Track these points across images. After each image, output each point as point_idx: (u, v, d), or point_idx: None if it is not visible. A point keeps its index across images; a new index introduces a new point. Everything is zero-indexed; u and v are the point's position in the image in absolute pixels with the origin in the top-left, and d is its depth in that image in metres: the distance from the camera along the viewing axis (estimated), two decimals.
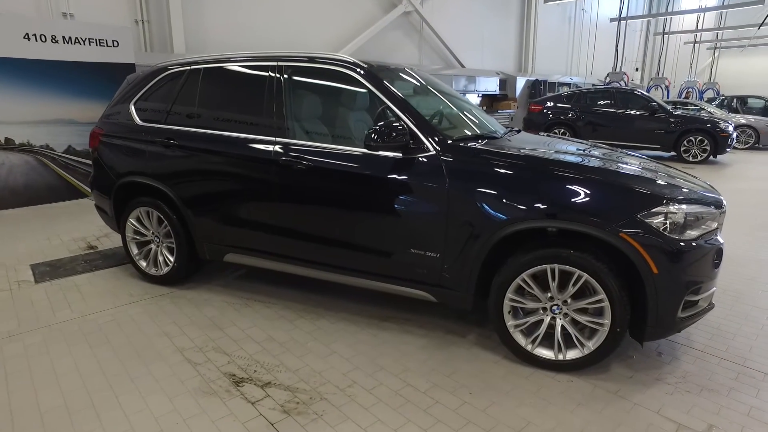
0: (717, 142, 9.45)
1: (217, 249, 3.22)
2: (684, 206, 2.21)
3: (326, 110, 3.02)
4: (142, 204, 3.40)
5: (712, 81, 19.48)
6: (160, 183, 3.24)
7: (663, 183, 2.33)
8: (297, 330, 2.84)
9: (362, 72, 2.76)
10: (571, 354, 2.37)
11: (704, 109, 13.49)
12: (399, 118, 2.58)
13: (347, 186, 2.70)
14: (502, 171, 2.40)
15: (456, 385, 2.31)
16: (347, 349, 2.63)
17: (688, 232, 2.20)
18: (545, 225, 2.28)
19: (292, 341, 2.71)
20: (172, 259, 3.38)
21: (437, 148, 2.50)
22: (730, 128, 9.54)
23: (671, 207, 2.17)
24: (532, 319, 2.42)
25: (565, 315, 2.37)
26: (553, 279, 2.31)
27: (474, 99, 13.85)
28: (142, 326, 2.87)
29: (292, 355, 2.56)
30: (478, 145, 2.59)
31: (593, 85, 16.40)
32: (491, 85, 14.52)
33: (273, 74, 2.95)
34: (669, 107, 10.32)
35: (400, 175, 2.55)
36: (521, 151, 2.58)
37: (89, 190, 5.25)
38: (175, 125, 3.24)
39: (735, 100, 17.10)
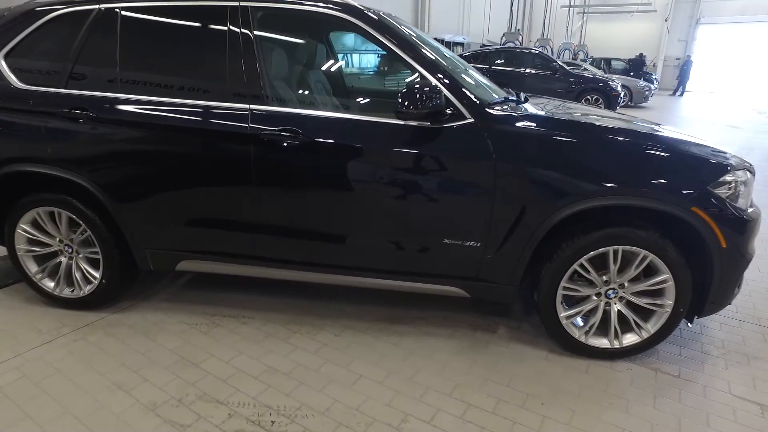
0: (610, 100, 10.31)
1: (166, 256, 2.42)
2: (740, 173, 2.07)
3: (316, 69, 2.34)
4: (41, 203, 2.39)
5: (582, 44, 21.35)
6: (72, 172, 2.28)
7: (712, 147, 2.17)
8: (298, 351, 2.25)
9: (373, 21, 2.12)
10: (628, 340, 2.18)
11: (587, 70, 14.72)
12: (425, 79, 2.03)
13: (357, 166, 2.10)
14: (561, 142, 2.02)
15: (522, 396, 1.98)
16: (373, 368, 2.14)
17: (741, 200, 2.08)
18: (613, 203, 1.99)
19: (300, 368, 2.12)
20: (96, 275, 2.47)
21: (476, 115, 2.04)
22: (619, 87, 10.46)
23: (737, 174, 2.01)
24: (587, 306, 2.17)
25: (620, 299, 2.15)
26: (615, 261, 2.06)
27: (372, 59, 13.39)
28: (75, 378, 2.03)
29: (310, 389, 1.99)
30: (524, 111, 2.18)
31: (483, 45, 16.87)
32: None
33: (236, 19, 2.15)
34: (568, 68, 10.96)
35: (428, 150, 2.04)
36: (573, 118, 2.23)
37: None
38: (85, 90, 2.27)
39: (602, 62, 19.01)
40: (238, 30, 2.14)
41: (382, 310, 2.59)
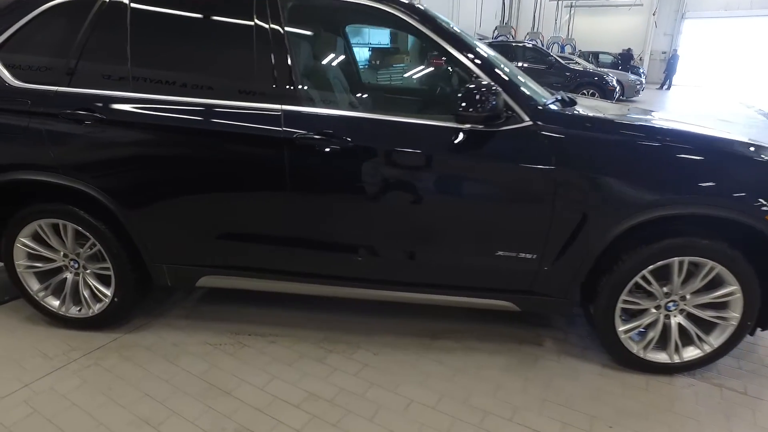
0: (605, 94, 10.29)
1: (186, 271, 2.20)
2: None
3: (351, 67, 2.13)
4: (44, 214, 2.14)
5: (569, 37, 21.42)
6: (79, 181, 2.03)
7: None
8: (338, 374, 2.07)
9: (422, 15, 1.91)
10: (689, 354, 2.06)
11: (579, 64, 14.73)
12: (481, 79, 1.85)
13: (404, 173, 1.93)
14: (627, 146, 1.87)
15: (586, 419, 1.84)
16: (422, 391, 1.97)
17: None
18: (682, 212, 1.85)
19: (344, 394, 1.95)
20: (107, 293, 2.24)
21: (535, 118, 1.87)
22: (614, 81, 10.45)
23: None
24: (646, 320, 2.04)
25: (681, 311, 2.03)
26: (680, 273, 1.94)
27: (365, 53, 13.06)
28: (94, 412, 1.82)
29: (360, 418, 1.82)
30: (584, 114, 2.02)
31: (480, 37, 16.75)
32: (383, 38, 13.78)
33: (264, 10, 1.93)
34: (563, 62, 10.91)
35: (484, 156, 1.87)
36: (634, 120, 2.08)
37: None
38: (92, 89, 2.03)
39: (590, 56, 19.09)
40: (266, 23, 1.93)
41: (418, 324, 2.42)
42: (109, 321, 2.31)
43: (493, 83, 1.77)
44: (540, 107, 1.90)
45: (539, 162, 1.86)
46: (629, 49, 18.08)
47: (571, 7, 21.80)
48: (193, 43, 2.03)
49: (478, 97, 1.72)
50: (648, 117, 2.30)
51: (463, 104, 1.72)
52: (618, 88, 10.72)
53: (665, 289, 1.99)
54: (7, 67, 2.08)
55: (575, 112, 2.03)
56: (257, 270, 2.14)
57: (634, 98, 13.20)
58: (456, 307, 2.24)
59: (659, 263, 1.91)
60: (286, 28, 1.92)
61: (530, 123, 1.86)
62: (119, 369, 2.06)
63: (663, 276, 1.97)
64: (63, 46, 2.07)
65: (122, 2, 2.02)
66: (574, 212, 1.89)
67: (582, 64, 14.64)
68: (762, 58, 16.29)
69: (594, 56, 18.96)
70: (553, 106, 1.97)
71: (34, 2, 2.09)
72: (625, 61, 17.00)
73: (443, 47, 1.89)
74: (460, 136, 1.86)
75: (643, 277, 1.95)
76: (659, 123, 2.12)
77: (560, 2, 19.94)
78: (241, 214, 2.04)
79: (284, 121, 1.89)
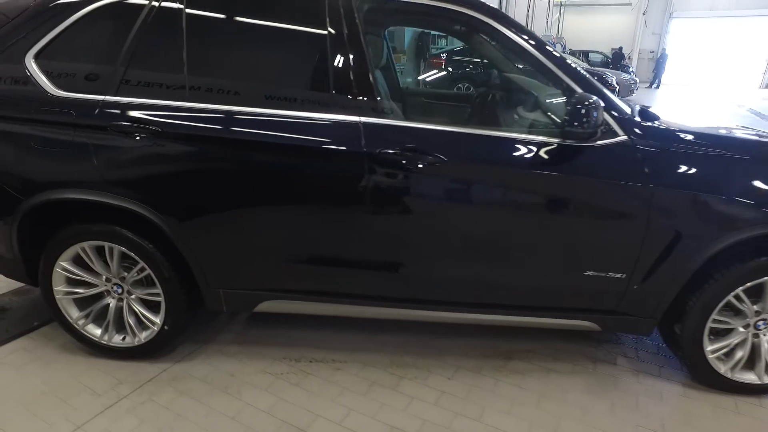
0: None
1: (245, 296, 2.03)
2: None
3: (430, 75, 1.99)
4: (88, 236, 1.95)
5: (559, 36, 21.57)
6: (130, 200, 1.84)
7: None
8: (416, 403, 1.93)
9: (510, 21, 1.79)
10: None
11: (577, 64, 14.83)
12: (574, 91, 1.74)
13: (493, 191, 1.80)
14: (725, 161, 1.79)
15: None
16: (510, 419, 1.85)
17: None
18: None
19: (429, 426, 1.81)
20: (156, 320, 2.06)
21: (629, 132, 1.77)
22: (614, 81, 10.49)
23: None
24: (735, 339, 1.97)
25: None
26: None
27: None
28: None
29: None
30: (674, 128, 1.93)
31: None
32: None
33: (338, 14, 1.77)
34: None
35: (579, 173, 1.76)
36: (728, 133, 2.00)
37: None
38: (144, 98, 1.84)
39: (580, 54, 19.26)
40: (340, 28, 1.77)
41: (485, 344, 2.31)
42: (155, 350, 2.13)
43: (595, 97, 1.66)
44: (634, 121, 1.80)
45: (634, 178, 1.76)
46: (620, 48, 18.27)
47: (561, 5, 21.95)
48: (258, 50, 1.87)
49: (584, 111, 1.61)
50: (736, 129, 2.22)
51: (571, 120, 1.60)
52: (617, 88, 10.78)
53: (756, 308, 1.92)
54: (47, 75, 1.88)
55: (666, 125, 1.93)
56: (326, 294, 1.99)
57: (628, 97, 13.33)
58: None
59: (754, 282, 1.84)
60: (363, 33, 1.78)
61: (625, 138, 1.76)
62: (177, 405, 1.89)
63: (753, 294, 1.90)
64: (109, 52, 1.88)
65: (176, 8, 1.84)
66: (668, 230, 1.79)
67: (579, 64, 14.74)
68: (745, 57, 16.69)
69: (584, 55, 19.14)
70: (642, 120, 1.87)
71: (75, 4, 1.90)
72: (616, 60, 17.17)
73: (536, 58, 1.77)
74: (558, 151, 1.74)
75: (736, 296, 1.88)
76: (753, 136, 2.03)
77: (551, 0, 20.04)
78: (312, 235, 1.88)
79: (364, 134, 1.74)
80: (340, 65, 1.77)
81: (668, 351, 2.23)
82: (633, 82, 12.93)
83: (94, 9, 1.88)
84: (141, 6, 1.86)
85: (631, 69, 16.45)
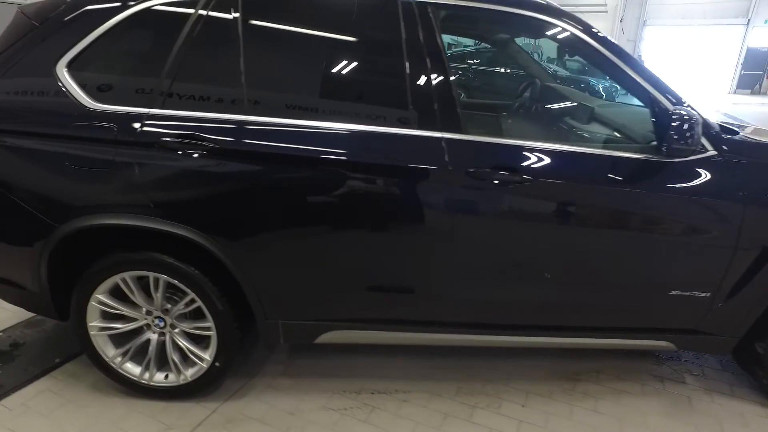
0: None
1: (306, 327, 1.86)
2: None
3: (512, 86, 1.88)
4: (131, 265, 1.75)
5: (537, 43, 21.93)
6: (182, 225, 1.65)
7: None
8: None
9: (582, 26, 1.70)
10: None
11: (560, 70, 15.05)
12: (661, 104, 1.66)
13: (582, 210, 1.70)
14: None
15: None
16: None
17: None
18: None
19: None
20: (205, 356, 1.86)
21: (718, 146, 1.70)
22: (601, 89, 10.71)
23: None
24: None
25: None
26: None
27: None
28: None
29: None
30: (757, 141, 1.87)
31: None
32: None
33: (413, 20, 1.64)
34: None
35: (671, 190, 1.68)
36: None
37: None
38: (195, 111, 1.66)
39: (557, 61, 19.59)
40: (417, 36, 1.64)
41: (549, 366, 2.20)
42: (202, 389, 1.93)
43: (695, 112, 1.58)
44: (721, 135, 1.74)
45: (725, 194, 1.69)
46: None
47: None
48: (327, 62, 1.72)
49: (686, 127, 1.52)
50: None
51: (677, 136, 1.52)
52: (604, 95, 11.01)
53: None
54: (82, 86, 1.67)
55: (752, 138, 1.88)
56: (398, 322, 1.84)
57: None
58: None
59: None
60: (441, 43, 1.65)
61: (714, 153, 1.69)
62: None
63: None
64: (151, 61, 1.70)
65: (230, 18, 1.67)
66: (757, 245, 1.73)
67: (561, 71, 15.02)
68: (715, 64, 17.36)
69: (562, 63, 19.50)
70: (728, 134, 1.82)
71: (108, 11, 1.70)
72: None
73: (621, 69, 1.68)
74: (649, 168, 1.66)
75: None
76: None
77: None
78: (386, 259, 1.73)
79: (447, 151, 1.61)
80: (417, 78, 1.63)
81: (733, 367, 2.19)
82: (615, 89, 13.23)
83: (131, 15, 1.69)
84: (185, 14, 1.67)
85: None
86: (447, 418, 1.89)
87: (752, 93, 16.94)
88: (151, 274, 1.75)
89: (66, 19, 1.71)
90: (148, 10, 1.69)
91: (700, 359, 2.30)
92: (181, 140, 1.63)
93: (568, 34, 1.67)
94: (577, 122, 2.20)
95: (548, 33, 1.72)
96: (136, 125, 1.64)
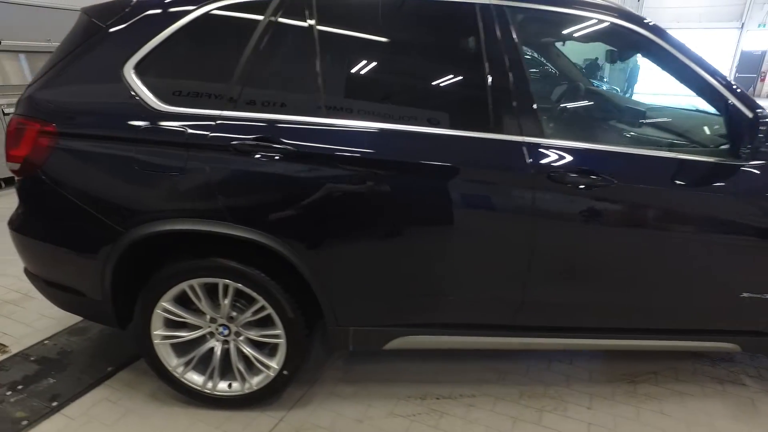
0: None
1: (376, 333, 1.83)
2: None
3: (584, 89, 1.88)
4: (201, 272, 1.71)
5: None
6: (257, 230, 1.62)
7: None
8: None
9: (653, 30, 1.70)
10: None
11: None
12: (735, 109, 1.66)
13: (662, 215, 1.69)
14: None
15: None
16: None
17: None
18: None
19: None
20: (272, 364, 1.82)
21: None
22: None
23: None
24: None
25: None
26: None
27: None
28: None
29: None
30: None
31: None
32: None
33: (491, 22, 1.62)
34: None
35: (744, 193, 1.68)
36: None
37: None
38: (270, 114, 1.63)
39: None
40: (495, 40, 1.62)
41: (604, 368, 2.19)
42: (267, 397, 1.89)
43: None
44: None
45: None
46: (596, 58, 18.83)
47: None
48: (404, 66, 1.71)
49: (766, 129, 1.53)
50: None
51: (765, 140, 1.52)
52: None
53: None
54: (150, 87, 1.64)
55: None
56: (469, 326, 1.82)
57: None
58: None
59: None
60: (519, 46, 1.64)
61: None
62: None
63: None
64: (221, 64, 1.66)
65: (305, 18, 1.64)
66: None
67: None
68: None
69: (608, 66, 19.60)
70: None
71: (179, 13, 1.67)
72: (592, 70, 17.69)
73: (698, 74, 1.68)
74: (728, 171, 1.66)
75: None
76: None
77: None
78: (469, 265, 1.71)
79: (529, 155, 1.60)
80: (497, 81, 1.62)
81: None
82: (615, 91, 13.38)
83: (199, 16, 1.65)
84: (256, 15, 1.65)
85: (605, 79, 17.02)
86: (516, 422, 1.87)
87: None
88: (221, 281, 1.72)
89: (133, 21, 1.68)
90: (215, 12, 1.66)
91: (755, 361, 2.31)
92: (256, 143, 1.60)
93: (646, 41, 1.67)
94: (630, 126, 2.20)
95: (624, 39, 1.72)
96: (208, 128, 1.61)
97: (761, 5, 16.02)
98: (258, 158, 1.59)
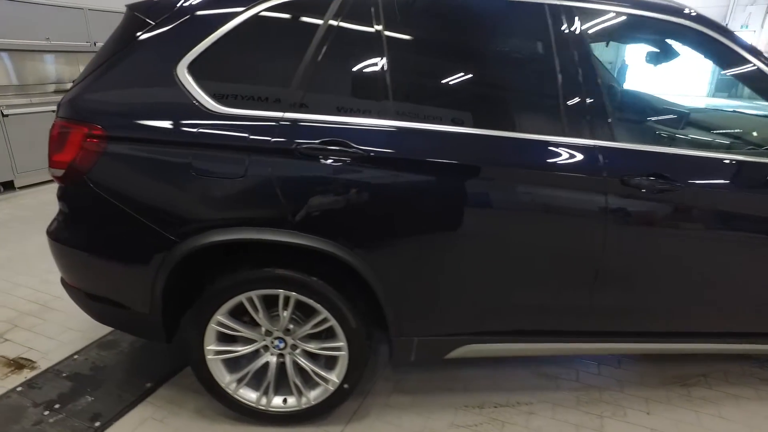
0: None
1: (441, 342, 1.76)
2: None
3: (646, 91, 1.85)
4: (262, 283, 1.62)
5: None
6: (325, 239, 1.54)
7: None
8: None
9: (728, 34, 1.67)
10: None
11: None
12: None
13: (738, 220, 1.68)
14: None
15: None
16: None
17: None
18: None
19: None
20: (332, 377, 1.74)
21: None
22: None
23: None
24: None
25: None
26: None
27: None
28: None
29: None
30: None
31: None
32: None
33: (561, 26, 1.58)
34: None
35: None
36: None
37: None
38: (335, 116, 1.56)
39: None
40: (566, 41, 1.58)
41: (653, 371, 2.18)
42: (323, 412, 1.82)
43: None
44: None
45: None
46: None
47: None
48: (473, 68, 1.65)
49: None
50: None
51: None
52: None
53: None
54: (204, 88, 1.54)
55: None
56: (534, 334, 1.78)
57: None
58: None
59: None
60: (588, 47, 1.60)
61: None
62: None
63: None
64: (283, 63, 1.58)
65: (371, 18, 1.57)
66: None
67: None
68: (693, 68, 18.05)
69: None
70: None
71: (230, 13, 1.57)
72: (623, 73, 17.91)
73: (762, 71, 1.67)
74: None
75: None
76: None
77: None
78: (539, 271, 1.66)
79: (603, 160, 1.56)
80: (569, 83, 1.58)
81: None
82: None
83: (256, 14, 1.57)
84: (316, 11, 1.57)
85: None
86: (579, 429, 1.83)
87: (729, 96, 17.64)
88: (283, 293, 1.63)
89: (186, 18, 1.58)
90: (273, 9, 1.58)
91: None
92: (323, 147, 1.52)
93: (716, 42, 1.65)
94: (673, 128, 2.19)
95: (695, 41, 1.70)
96: (270, 131, 1.52)
97: (744, 6, 16.44)
98: (325, 162, 1.52)
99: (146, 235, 1.58)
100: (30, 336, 2.30)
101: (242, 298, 1.64)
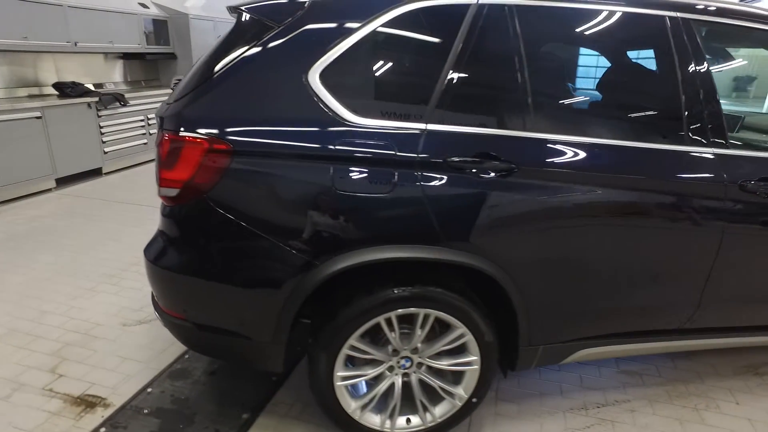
0: None
1: (561, 348, 1.77)
2: None
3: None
4: (405, 303, 1.53)
5: None
6: (477, 255, 1.49)
7: None
8: None
9: None
10: None
11: None
12: None
13: None
14: None
15: None
16: None
17: None
18: None
19: None
20: (459, 392, 1.69)
21: None
22: None
23: None
24: None
25: None
26: None
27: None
28: None
29: None
30: None
31: None
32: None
33: (681, 37, 1.62)
34: None
35: None
36: None
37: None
38: (480, 127, 1.50)
39: None
40: (686, 52, 1.63)
41: (724, 362, 2.31)
42: (448, 428, 1.76)
43: None
44: None
45: None
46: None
47: None
48: (599, 78, 1.66)
49: None
50: None
51: None
52: None
53: None
54: (338, 98, 1.43)
55: None
56: (651, 334, 1.83)
57: None
58: None
59: None
60: (706, 59, 1.66)
61: None
62: None
63: None
64: (420, 71, 1.51)
65: (509, 28, 1.52)
66: None
67: None
68: None
69: None
70: None
71: (364, 18, 1.47)
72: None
73: None
74: None
75: None
76: None
77: None
78: (658, 275, 1.70)
79: (722, 167, 1.63)
80: (692, 95, 1.63)
81: None
82: None
83: (392, 19, 1.47)
84: (455, 19, 1.50)
85: None
86: (683, 423, 1.92)
87: None
88: (423, 311, 1.56)
89: (317, 21, 1.46)
90: (412, 13, 1.49)
91: None
92: (475, 159, 1.46)
93: None
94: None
95: None
96: (415, 143, 1.45)
97: None
98: (473, 176, 1.46)
99: (279, 258, 1.45)
100: (85, 369, 2.05)
101: (381, 319, 1.56)
